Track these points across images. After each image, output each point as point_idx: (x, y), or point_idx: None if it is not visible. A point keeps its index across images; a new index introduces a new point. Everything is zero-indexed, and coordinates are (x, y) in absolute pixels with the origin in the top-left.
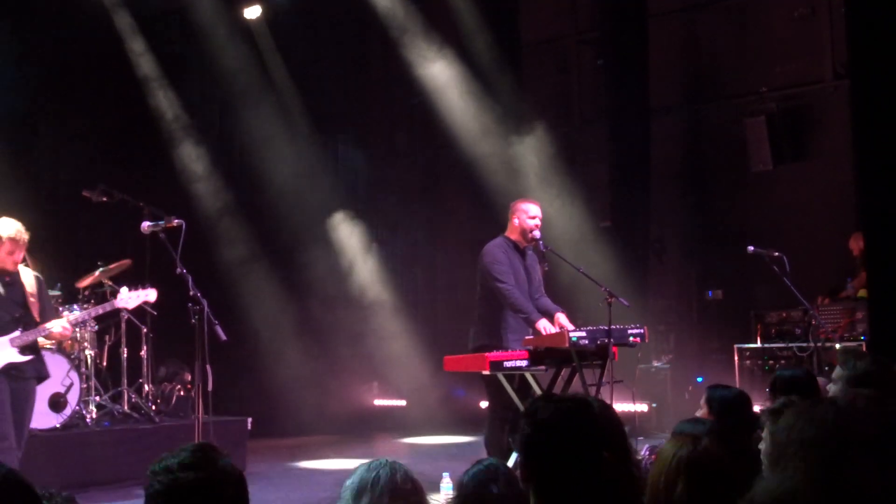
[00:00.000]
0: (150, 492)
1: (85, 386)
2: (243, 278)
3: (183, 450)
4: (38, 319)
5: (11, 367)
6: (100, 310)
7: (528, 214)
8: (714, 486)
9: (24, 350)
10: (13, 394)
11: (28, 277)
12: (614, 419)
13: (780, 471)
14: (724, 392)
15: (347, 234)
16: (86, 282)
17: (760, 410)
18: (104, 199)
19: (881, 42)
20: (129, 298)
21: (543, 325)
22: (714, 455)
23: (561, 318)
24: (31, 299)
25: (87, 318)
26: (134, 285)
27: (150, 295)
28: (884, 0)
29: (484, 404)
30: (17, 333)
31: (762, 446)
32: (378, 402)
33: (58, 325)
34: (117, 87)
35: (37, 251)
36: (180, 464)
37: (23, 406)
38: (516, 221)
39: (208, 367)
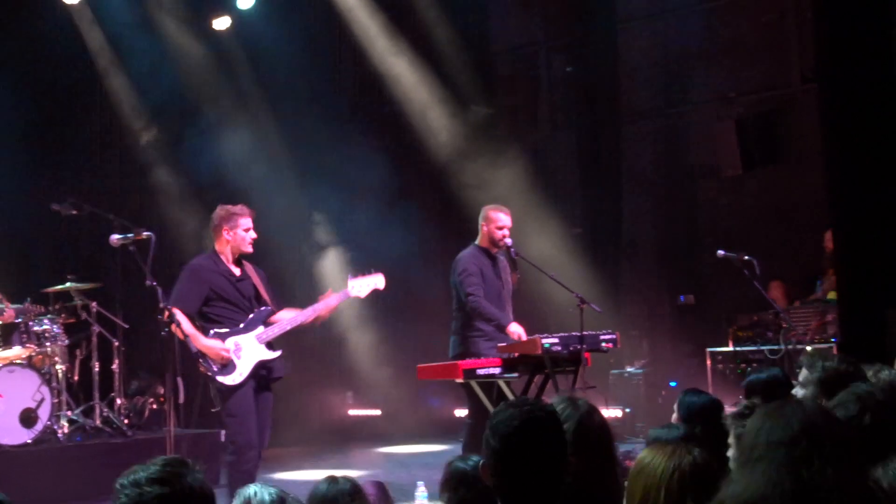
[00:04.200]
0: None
1: (56, 401)
2: None
3: (153, 463)
4: (272, 305)
5: (262, 366)
6: (332, 301)
7: (497, 224)
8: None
9: (271, 346)
10: (258, 401)
11: (251, 269)
12: (602, 422)
13: (749, 473)
14: (694, 398)
15: (320, 242)
16: (53, 289)
17: (725, 415)
18: (73, 212)
19: (848, 46)
20: (361, 286)
21: (514, 330)
22: (712, 466)
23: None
24: (262, 290)
25: (319, 310)
26: (362, 272)
27: (380, 282)
28: (850, 4)
29: (459, 412)
30: (261, 329)
31: (730, 453)
32: (353, 411)
33: (311, 314)
34: (85, 99)
35: (6, 265)
36: (148, 478)
37: (265, 413)
38: (486, 229)
39: (179, 379)
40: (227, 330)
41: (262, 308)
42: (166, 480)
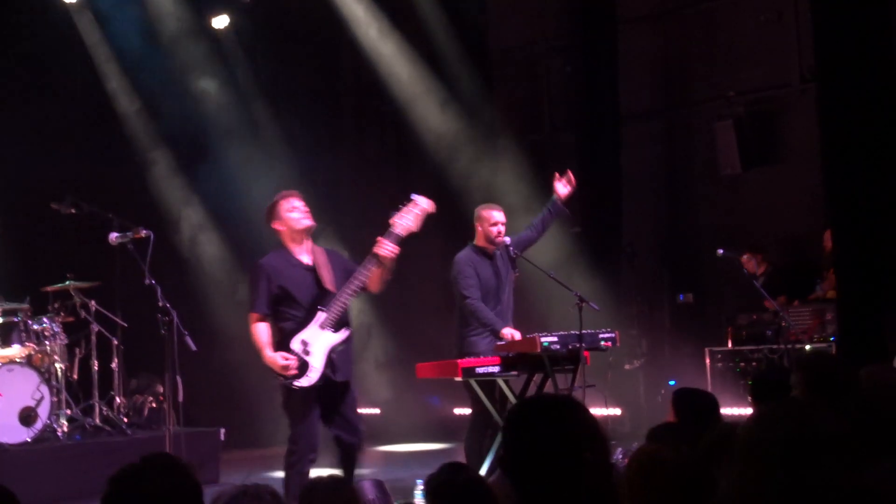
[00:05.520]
0: (103, 503)
1: (56, 399)
2: (214, 287)
3: (141, 460)
4: (333, 290)
5: (333, 356)
6: (383, 249)
7: (490, 222)
8: (695, 494)
9: (336, 326)
10: (332, 404)
11: (322, 253)
12: (594, 419)
13: (746, 471)
14: (689, 396)
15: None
16: (52, 288)
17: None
18: (72, 210)
19: (847, 46)
20: (406, 219)
21: (508, 333)
22: (693, 463)
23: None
24: (324, 274)
25: (370, 267)
26: (396, 207)
27: (423, 203)
28: (849, 4)
29: (458, 411)
30: (322, 315)
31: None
32: None
33: (365, 274)
34: (84, 98)
35: (6, 264)
36: (129, 475)
37: (342, 407)
38: (480, 229)
39: (178, 377)
40: (293, 328)
41: (326, 295)
42: (146, 477)
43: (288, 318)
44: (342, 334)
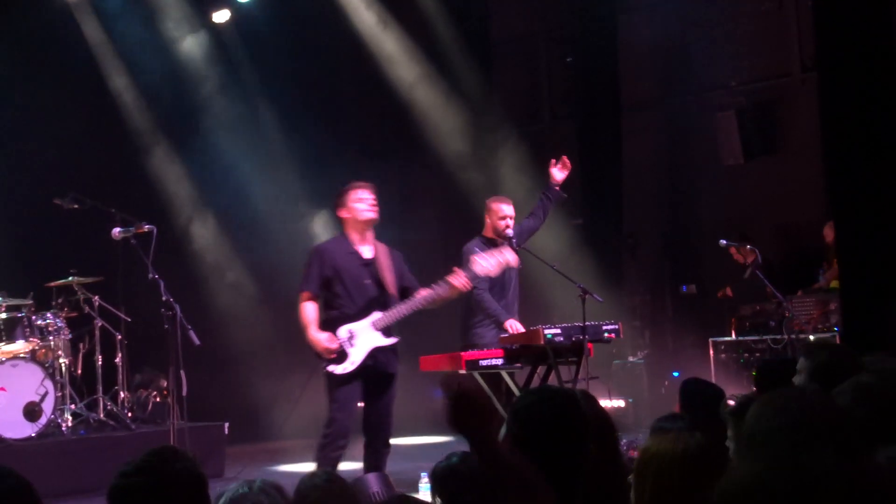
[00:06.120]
0: (109, 496)
1: (60, 394)
2: (217, 282)
3: (143, 454)
4: (394, 294)
5: (371, 357)
6: (457, 280)
7: (499, 215)
8: (701, 485)
9: (387, 332)
10: (372, 395)
11: (384, 251)
12: (601, 411)
13: (749, 459)
14: (696, 387)
15: (320, 235)
16: (56, 283)
17: (724, 410)
18: (75, 206)
19: (848, 35)
20: (488, 262)
21: (510, 324)
22: (714, 448)
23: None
24: (386, 276)
25: (440, 292)
26: (486, 249)
27: (509, 256)
28: None
29: None
30: (378, 315)
31: (730, 444)
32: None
33: (432, 296)
34: (86, 94)
35: (9, 260)
36: (135, 468)
37: (382, 408)
38: (489, 220)
39: (182, 372)
40: (338, 316)
41: (383, 293)
42: (151, 469)
43: (335, 307)
44: (390, 340)
